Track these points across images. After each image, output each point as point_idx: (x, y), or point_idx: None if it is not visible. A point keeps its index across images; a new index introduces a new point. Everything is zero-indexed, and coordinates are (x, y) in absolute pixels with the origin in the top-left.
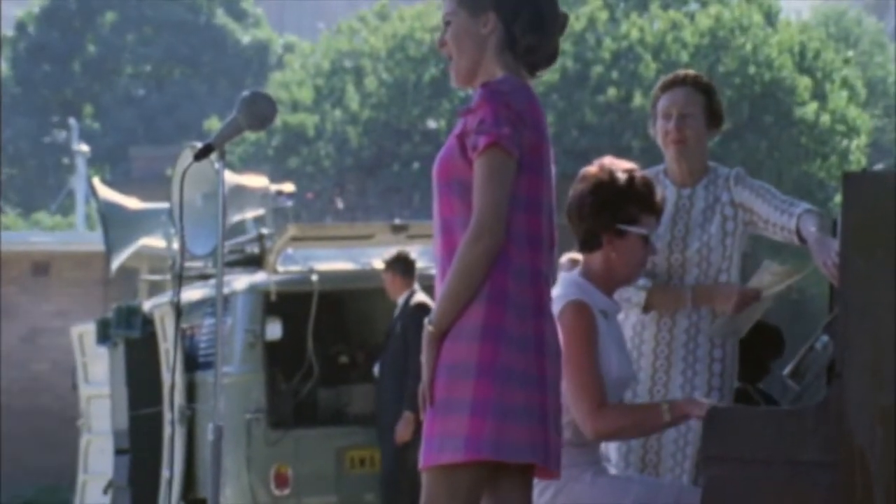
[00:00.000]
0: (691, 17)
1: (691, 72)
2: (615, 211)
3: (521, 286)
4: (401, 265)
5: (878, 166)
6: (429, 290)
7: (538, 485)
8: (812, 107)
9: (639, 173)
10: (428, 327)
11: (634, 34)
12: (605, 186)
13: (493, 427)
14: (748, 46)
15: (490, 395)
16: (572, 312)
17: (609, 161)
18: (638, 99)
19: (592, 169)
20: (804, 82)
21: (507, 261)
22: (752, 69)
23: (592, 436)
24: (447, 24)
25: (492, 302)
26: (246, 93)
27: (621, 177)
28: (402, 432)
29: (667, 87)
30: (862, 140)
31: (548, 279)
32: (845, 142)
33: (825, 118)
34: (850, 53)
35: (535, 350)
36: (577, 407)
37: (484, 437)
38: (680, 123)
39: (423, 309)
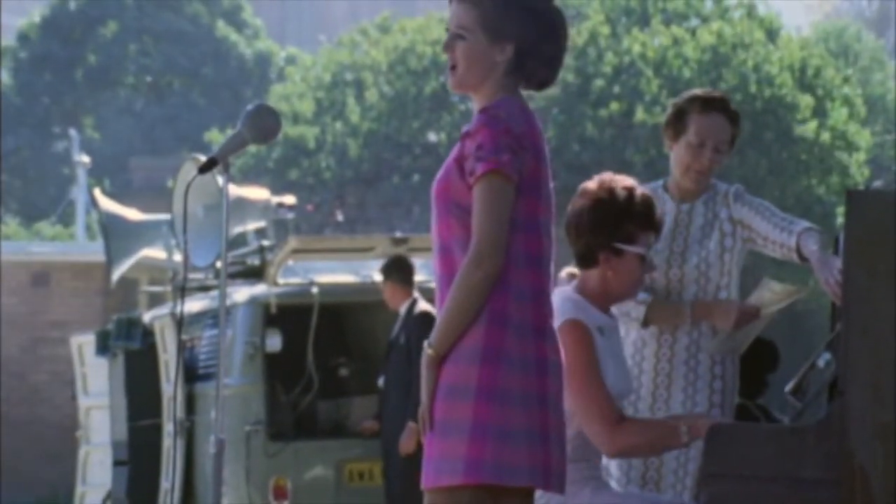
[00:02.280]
0: (692, 32)
1: (720, 95)
2: (613, 230)
3: (521, 307)
4: (399, 273)
5: (878, 183)
6: (430, 302)
7: (540, 498)
8: (812, 125)
9: (639, 190)
10: (427, 350)
11: (636, 49)
12: (604, 204)
13: (492, 450)
14: (749, 63)
15: (489, 417)
16: (567, 333)
17: (609, 178)
18: (640, 114)
19: (592, 185)
20: (805, 100)
21: (507, 282)
22: (752, 86)
23: (610, 453)
24: (460, 36)
25: (492, 324)
26: (250, 106)
27: (621, 194)
28: (406, 443)
29: (704, 108)
30: (862, 156)
31: (550, 298)
32: (845, 158)
33: (825, 135)
34: (850, 71)
35: (536, 371)
36: (590, 427)
37: (484, 459)
38: (713, 157)
39: (427, 317)
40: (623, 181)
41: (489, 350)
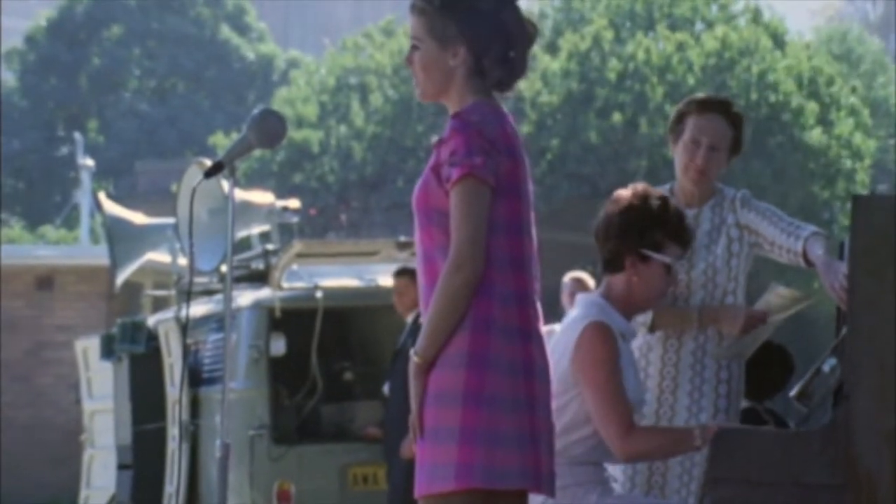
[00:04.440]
0: (697, 38)
1: (724, 97)
2: (641, 235)
3: (506, 311)
4: (411, 274)
5: (882, 187)
6: None
7: (546, 503)
8: (816, 132)
9: (673, 202)
10: (414, 358)
11: (641, 55)
12: (636, 210)
13: (483, 454)
14: (754, 69)
15: (478, 422)
16: (594, 333)
17: (644, 188)
18: (644, 126)
19: (626, 193)
20: (810, 107)
21: (491, 286)
22: (756, 93)
23: (623, 457)
24: (415, 47)
25: (477, 329)
26: (256, 111)
27: (654, 203)
28: (406, 448)
29: (702, 109)
30: (865, 162)
31: (535, 300)
32: (849, 164)
33: (830, 142)
34: (857, 83)
35: (523, 374)
36: (605, 429)
37: (474, 464)
38: (708, 156)
39: None
40: (657, 192)
41: (475, 355)
